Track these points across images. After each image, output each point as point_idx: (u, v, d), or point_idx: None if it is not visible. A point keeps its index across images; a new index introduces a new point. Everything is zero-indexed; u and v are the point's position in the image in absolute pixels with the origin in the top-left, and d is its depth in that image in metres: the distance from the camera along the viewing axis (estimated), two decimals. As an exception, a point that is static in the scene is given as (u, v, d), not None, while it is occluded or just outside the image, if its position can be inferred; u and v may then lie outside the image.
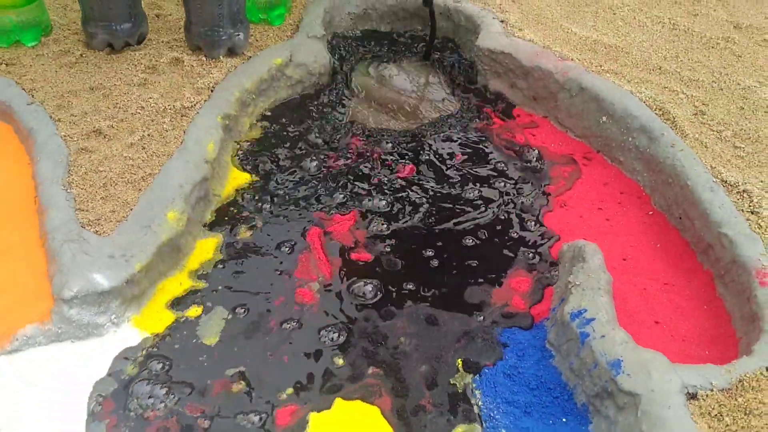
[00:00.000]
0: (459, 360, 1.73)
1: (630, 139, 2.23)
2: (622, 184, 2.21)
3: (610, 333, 1.62)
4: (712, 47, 2.50)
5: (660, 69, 2.40)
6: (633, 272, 1.93)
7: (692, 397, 1.48)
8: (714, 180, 1.96)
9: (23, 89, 2.09)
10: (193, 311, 1.76)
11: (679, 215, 2.03)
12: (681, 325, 1.78)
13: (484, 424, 1.61)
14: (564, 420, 1.66)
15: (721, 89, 2.30)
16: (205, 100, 2.09)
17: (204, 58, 2.26)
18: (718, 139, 2.09)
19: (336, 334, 1.76)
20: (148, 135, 1.98)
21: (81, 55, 2.24)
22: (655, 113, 2.19)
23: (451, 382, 1.68)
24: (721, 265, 1.85)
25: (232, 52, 2.28)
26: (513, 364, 1.74)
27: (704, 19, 2.65)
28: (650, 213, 2.12)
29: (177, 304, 1.77)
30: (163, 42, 2.33)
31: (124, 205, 1.79)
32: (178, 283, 1.80)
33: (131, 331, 1.69)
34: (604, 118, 2.29)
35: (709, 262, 1.91)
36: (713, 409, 1.44)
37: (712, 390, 1.49)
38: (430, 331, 1.79)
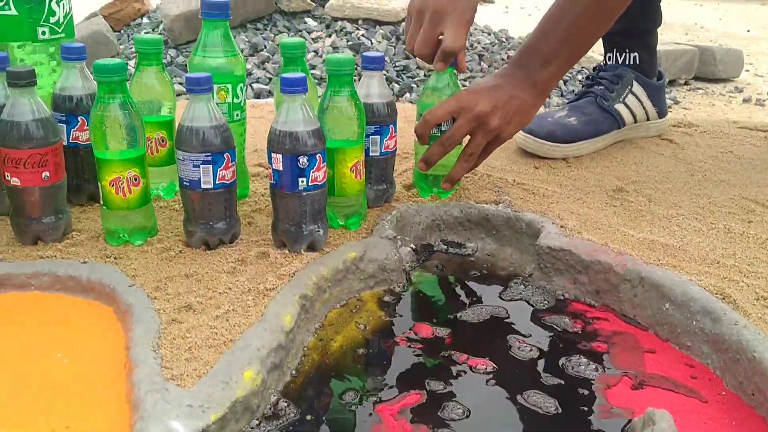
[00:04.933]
0: None
1: (694, 322, 2.26)
2: (692, 371, 2.21)
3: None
4: (770, 247, 2.59)
5: (718, 263, 2.47)
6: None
7: None
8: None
9: (126, 275, 2.35)
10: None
11: (752, 392, 1.99)
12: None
13: None
14: None
15: (782, 279, 2.35)
16: (284, 284, 2.29)
17: (287, 252, 2.50)
18: (783, 319, 2.11)
19: None
20: (233, 310, 2.15)
21: (180, 251, 2.51)
22: (717, 297, 2.25)
23: None
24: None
25: (311, 248, 2.52)
26: None
27: (758, 225, 2.78)
28: (722, 393, 2.09)
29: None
30: (252, 241, 2.59)
31: (206, 364, 1.91)
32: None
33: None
34: (667, 305, 2.35)
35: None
36: None
37: None
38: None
